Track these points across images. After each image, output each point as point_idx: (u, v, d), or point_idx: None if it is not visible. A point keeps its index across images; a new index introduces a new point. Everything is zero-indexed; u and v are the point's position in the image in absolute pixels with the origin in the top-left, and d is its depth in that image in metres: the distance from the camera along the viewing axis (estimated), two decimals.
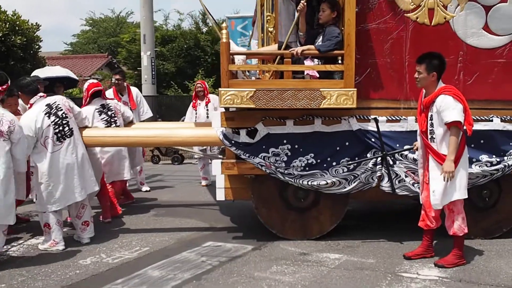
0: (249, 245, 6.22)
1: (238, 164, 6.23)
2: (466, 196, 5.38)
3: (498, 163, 6.06)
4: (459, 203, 5.39)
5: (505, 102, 6.17)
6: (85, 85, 7.67)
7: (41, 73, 7.09)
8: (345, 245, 6.18)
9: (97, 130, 7.07)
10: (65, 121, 6.27)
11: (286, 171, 6.11)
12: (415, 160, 5.95)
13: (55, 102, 6.32)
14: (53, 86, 8.21)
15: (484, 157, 6.05)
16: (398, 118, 6.16)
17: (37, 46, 16.62)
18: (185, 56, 28.01)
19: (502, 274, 5.22)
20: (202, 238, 6.58)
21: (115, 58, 34.41)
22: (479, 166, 6.03)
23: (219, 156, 7.55)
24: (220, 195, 6.39)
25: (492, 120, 6.13)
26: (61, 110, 6.29)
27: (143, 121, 9.73)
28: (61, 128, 6.21)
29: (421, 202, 5.68)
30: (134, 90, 9.91)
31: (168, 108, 19.70)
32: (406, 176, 6.08)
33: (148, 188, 9.96)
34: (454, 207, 5.39)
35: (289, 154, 6.14)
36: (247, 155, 6.12)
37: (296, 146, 6.14)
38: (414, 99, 6.04)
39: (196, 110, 10.14)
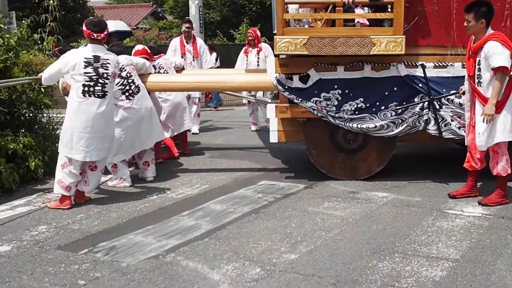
0: (301, 184, 6.59)
1: (291, 108, 6.55)
2: (511, 139, 5.54)
3: None
4: (504, 145, 5.56)
5: None
6: (133, 51, 7.93)
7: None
8: (392, 185, 6.47)
9: (159, 76, 7.44)
10: (131, 80, 6.62)
11: (336, 115, 6.41)
12: (461, 104, 6.15)
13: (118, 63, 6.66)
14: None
15: None
16: (445, 64, 6.33)
17: None
18: (230, 5, 28.10)
19: None
20: (257, 178, 6.98)
21: (159, 7, 34.64)
22: None
23: (268, 100, 7.84)
24: (273, 138, 6.73)
25: None
26: (125, 70, 6.61)
27: None
28: (127, 87, 6.55)
29: (466, 144, 5.88)
30: (199, 40, 10.32)
31: None
32: (452, 120, 6.29)
33: (197, 131, 10.31)
34: (499, 149, 5.57)
35: (340, 98, 6.42)
36: (300, 99, 6.43)
37: (347, 91, 6.41)
38: (461, 46, 6.20)
39: (247, 57, 10.39)
